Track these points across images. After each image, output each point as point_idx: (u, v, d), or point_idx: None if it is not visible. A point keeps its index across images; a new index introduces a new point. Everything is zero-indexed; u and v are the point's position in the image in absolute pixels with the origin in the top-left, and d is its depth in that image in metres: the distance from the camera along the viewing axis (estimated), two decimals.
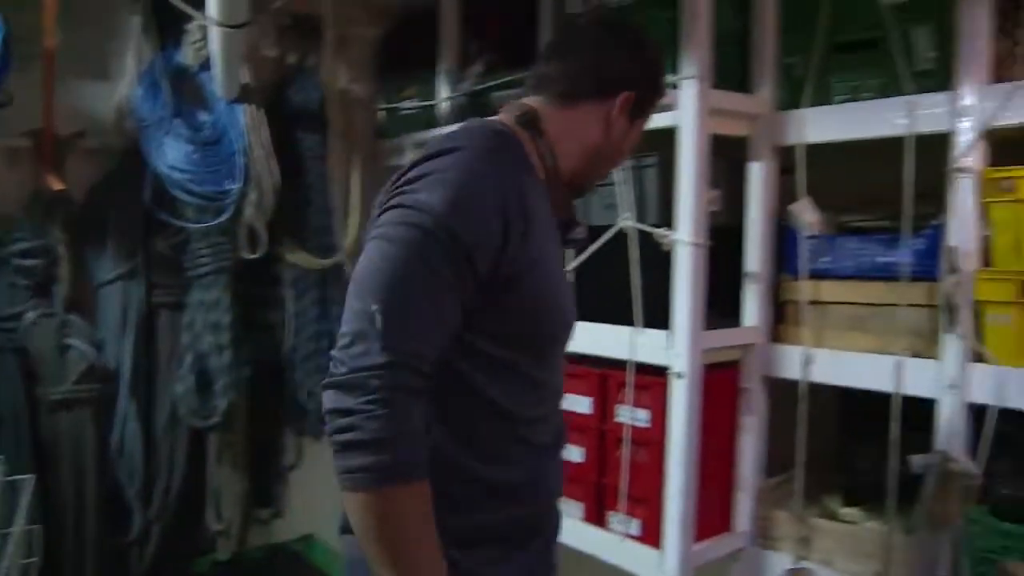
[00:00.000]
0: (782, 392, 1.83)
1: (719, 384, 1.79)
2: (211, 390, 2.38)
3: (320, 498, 2.63)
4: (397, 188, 1.05)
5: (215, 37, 2.05)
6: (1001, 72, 1.50)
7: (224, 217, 2.30)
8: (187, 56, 2.33)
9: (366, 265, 1.00)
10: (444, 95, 2.39)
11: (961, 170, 1.50)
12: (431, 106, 2.42)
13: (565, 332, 1.20)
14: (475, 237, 1.00)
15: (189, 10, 1.97)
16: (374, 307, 0.95)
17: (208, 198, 2.29)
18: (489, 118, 1.21)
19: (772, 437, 1.88)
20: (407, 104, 2.53)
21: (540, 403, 1.16)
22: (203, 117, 2.34)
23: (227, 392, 2.38)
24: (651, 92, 1.25)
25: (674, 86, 1.65)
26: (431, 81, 2.44)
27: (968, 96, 1.51)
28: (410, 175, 1.05)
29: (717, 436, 1.80)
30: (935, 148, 1.54)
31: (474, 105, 2.26)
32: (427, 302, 0.99)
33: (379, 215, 1.06)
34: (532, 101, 1.21)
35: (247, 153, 2.31)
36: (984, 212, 1.50)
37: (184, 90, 2.34)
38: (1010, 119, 1.46)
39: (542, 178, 1.15)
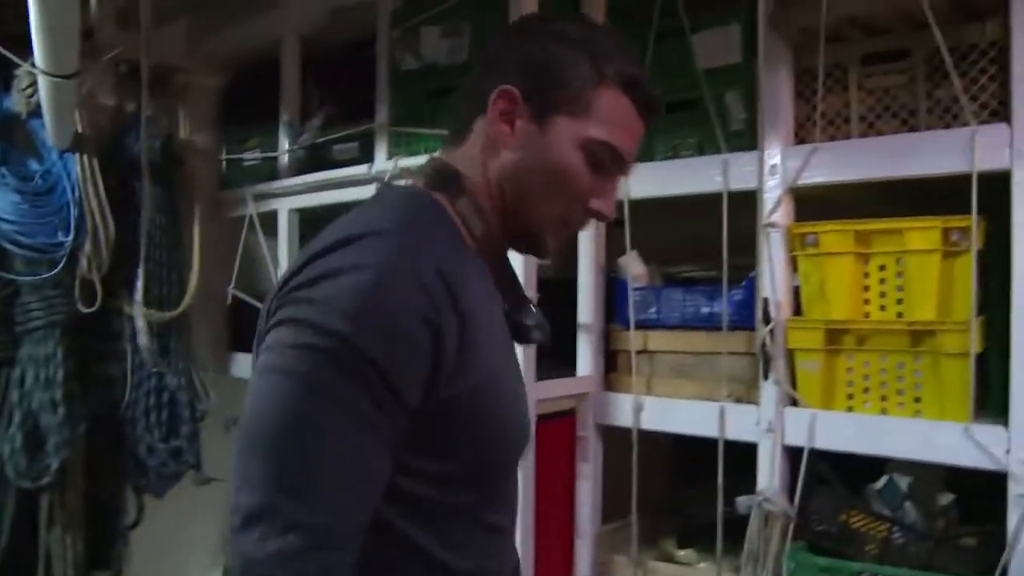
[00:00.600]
0: (617, 439, 1.88)
1: (555, 433, 1.82)
2: (43, 448, 2.26)
3: (163, 558, 2.52)
4: (287, 293, 0.79)
5: (44, 85, 1.99)
6: (803, 134, 1.62)
7: (57, 270, 2.21)
8: (16, 103, 2.24)
9: (256, 408, 0.76)
10: (285, 147, 2.39)
11: (770, 225, 1.60)
12: (273, 157, 2.41)
13: (521, 454, 0.93)
14: (396, 357, 0.75)
15: (15, 58, 1.91)
16: (271, 469, 0.73)
17: (39, 250, 2.18)
18: (398, 183, 1.00)
19: (609, 483, 1.92)
20: (249, 155, 2.49)
21: (493, 553, 0.91)
22: (34, 166, 2.25)
23: (60, 450, 2.25)
24: (547, 77, 0.90)
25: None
26: (274, 132, 2.40)
27: (774, 156, 1.62)
28: (303, 276, 0.79)
29: (555, 484, 1.83)
30: (751, 203, 1.64)
31: (314, 158, 2.25)
32: (343, 455, 0.74)
33: (266, 330, 0.80)
34: (440, 153, 0.97)
35: (81, 204, 2.23)
36: (793, 264, 1.61)
37: (14, 138, 2.25)
38: (811, 178, 1.58)
39: (475, 251, 0.91)
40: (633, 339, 1.79)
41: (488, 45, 0.99)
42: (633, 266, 1.78)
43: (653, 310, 1.78)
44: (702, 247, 1.77)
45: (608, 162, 0.92)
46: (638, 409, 1.78)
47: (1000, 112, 1.45)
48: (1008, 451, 1.39)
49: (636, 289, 1.79)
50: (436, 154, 0.98)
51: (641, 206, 1.78)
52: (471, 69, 0.98)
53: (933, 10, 1.43)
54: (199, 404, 2.31)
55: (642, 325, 1.80)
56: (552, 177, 0.91)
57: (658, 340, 1.77)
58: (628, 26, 1.83)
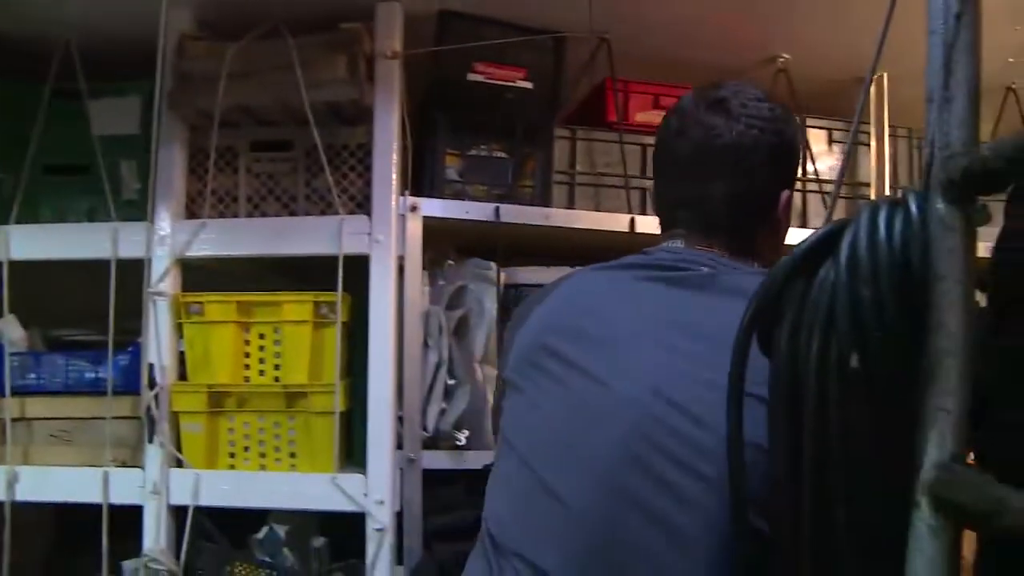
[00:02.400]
0: None
1: None
2: None
3: None
4: None
5: None
6: (194, 209, 1.71)
7: None
8: None
9: None
10: None
11: (158, 294, 1.65)
12: None
13: None
14: None
15: None
16: None
17: None
18: None
19: None
20: None
21: None
22: None
23: None
24: None
25: None
26: None
27: (164, 228, 1.68)
28: None
29: None
30: (140, 271, 1.68)
31: None
32: None
33: None
34: None
35: None
36: (179, 331, 1.68)
37: None
38: (199, 251, 1.67)
39: None
40: (8, 407, 1.69)
41: None
42: (10, 330, 1.69)
43: (32, 376, 1.70)
44: (90, 312, 1.75)
45: None
46: (13, 480, 1.68)
47: (364, 205, 1.69)
48: (366, 494, 1.61)
49: (14, 354, 1.70)
50: None
51: (25, 269, 1.71)
52: None
53: (313, 111, 1.63)
54: None
55: (20, 392, 1.70)
56: None
57: (38, 407, 1.69)
58: (21, 84, 1.77)
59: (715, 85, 1.13)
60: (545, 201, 1.89)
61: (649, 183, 1.70)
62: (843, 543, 0.77)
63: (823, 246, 0.79)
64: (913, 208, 0.71)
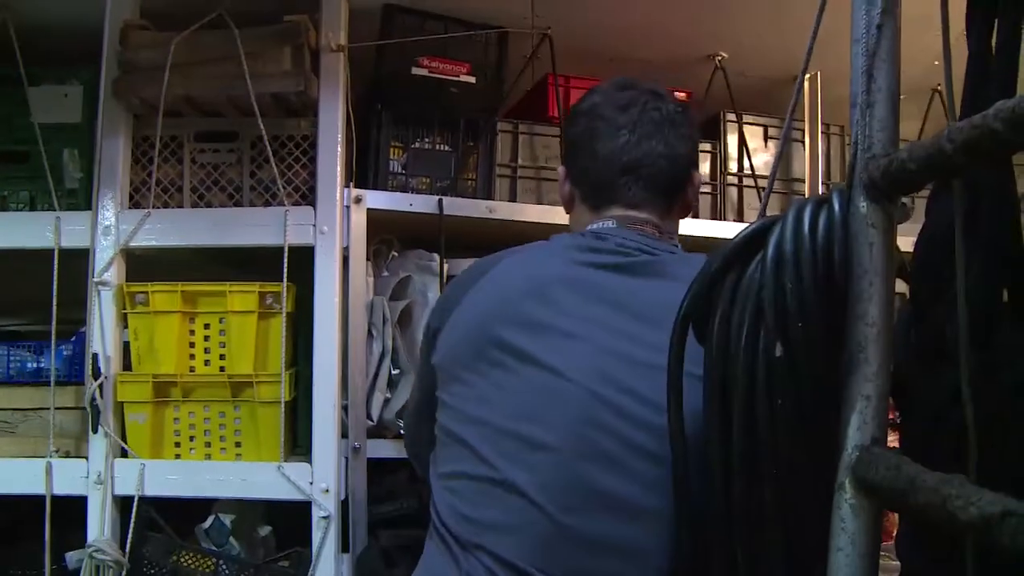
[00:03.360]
0: None
1: None
2: None
3: None
4: None
5: None
6: (138, 199, 1.71)
7: None
8: None
9: None
10: None
11: (102, 283, 1.65)
12: None
13: None
14: None
15: None
16: None
17: None
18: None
19: None
20: None
21: None
22: None
23: None
24: None
25: None
26: None
27: (108, 218, 1.67)
28: None
29: None
30: (84, 261, 1.67)
31: None
32: None
33: None
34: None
35: None
36: (124, 321, 1.68)
37: None
38: (144, 241, 1.67)
39: None
40: None
41: None
42: None
43: None
44: (33, 302, 1.75)
45: None
46: None
47: (308, 196, 1.71)
48: (312, 483, 1.63)
49: None
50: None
51: None
52: None
53: (258, 103, 1.63)
54: None
55: None
56: None
57: None
58: None
59: (626, 78, 1.23)
60: (488, 194, 1.93)
61: None
62: (771, 521, 0.83)
63: (754, 241, 0.83)
64: (836, 206, 0.76)
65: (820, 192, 2.15)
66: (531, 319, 1.06)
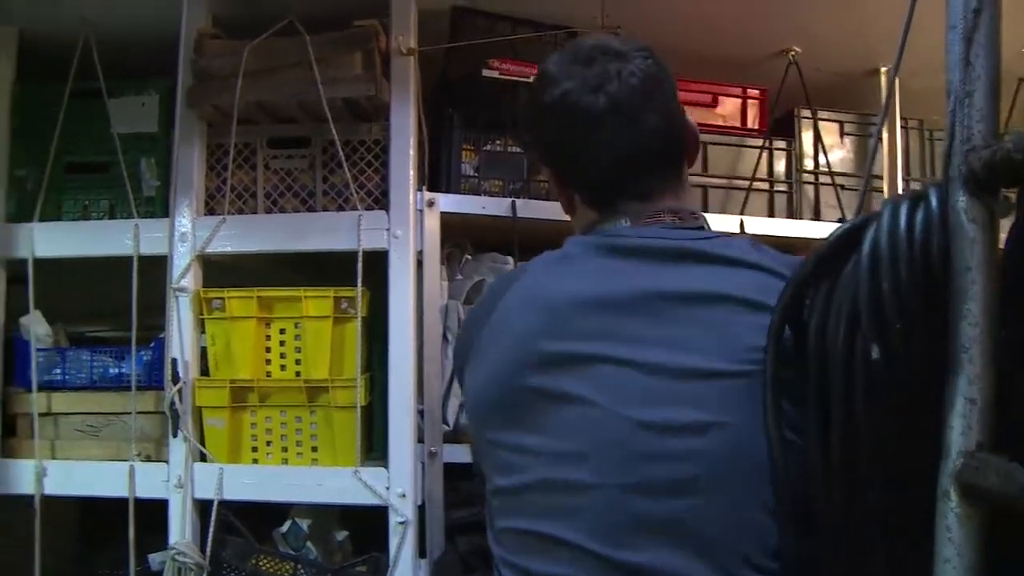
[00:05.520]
0: (17, 508, 1.76)
1: None
2: None
3: None
4: None
5: None
6: (213, 205, 1.73)
7: None
8: None
9: None
10: None
11: (179, 290, 1.67)
12: None
13: None
14: None
15: None
16: None
17: None
18: None
19: (8, 557, 1.79)
20: None
21: None
22: None
23: None
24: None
25: None
26: None
27: (184, 225, 1.70)
28: None
29: None
30: (162, 267, 1.70)
31: None
32: None
33: None
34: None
35: None
36: (201, 327, 1.70)
37: None
38: (219, 247, 1.69)
39: None
40: (36, 401, 1.71)
41: None
42: (36, 326, 1.71)
43: (58, 371, 1.72)
44: (112, 308, 1.77)
45: None
46: (41, 474, 1.70)
47: (381, 200, 1.71)
48: (388, 488, 1.63)
49: (40, 350, 1.72)
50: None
51: (48, 265, 1.73)
52: None
53: (330, 108, 1.64)
54: None
55: (46, 387, 1.72)
56: None
57: (63, 402, 1.72)
58: (42, 83, 1.79)
59: (574, 44, 1.10)
60: None
61: None
62: (873, 528, 0.79)
63: (847, 241, 0.80)
64: (933, 202, 0.73)
65: (900, 189, 2.09)
66: (552, 356, 0.96)
